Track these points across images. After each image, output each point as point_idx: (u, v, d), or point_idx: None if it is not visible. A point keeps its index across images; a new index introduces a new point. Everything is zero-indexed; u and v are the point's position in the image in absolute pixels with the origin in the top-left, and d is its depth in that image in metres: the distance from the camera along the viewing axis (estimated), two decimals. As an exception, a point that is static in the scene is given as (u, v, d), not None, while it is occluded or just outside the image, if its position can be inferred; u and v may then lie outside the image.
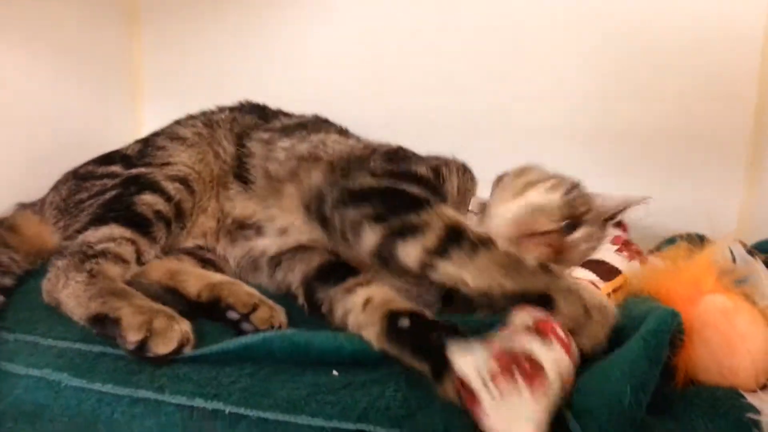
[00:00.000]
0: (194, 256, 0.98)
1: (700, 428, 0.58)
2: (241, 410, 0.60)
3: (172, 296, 0.85)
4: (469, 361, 0.57)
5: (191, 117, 1.12)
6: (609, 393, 0.54)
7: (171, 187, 0.95)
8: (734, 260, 0.83)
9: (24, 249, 0.94)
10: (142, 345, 0.67)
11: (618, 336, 0.64)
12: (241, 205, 0.99)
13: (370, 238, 0.76)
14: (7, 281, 0.88)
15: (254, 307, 0.79)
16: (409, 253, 0.71)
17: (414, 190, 0.80)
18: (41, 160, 1.17)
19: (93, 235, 0.86)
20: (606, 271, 0.83)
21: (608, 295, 0.80)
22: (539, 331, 0.60)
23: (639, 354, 0.57)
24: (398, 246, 0.73)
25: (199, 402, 0.61)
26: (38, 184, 1.07)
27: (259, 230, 0.97)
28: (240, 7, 1.39)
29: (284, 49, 1.37)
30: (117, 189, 0.95)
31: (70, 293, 0.77)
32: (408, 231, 0.72)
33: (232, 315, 0.79)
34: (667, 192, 1.10)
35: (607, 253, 0.88)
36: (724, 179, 1.14)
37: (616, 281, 0.83)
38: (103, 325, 0.72)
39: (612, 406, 0.53)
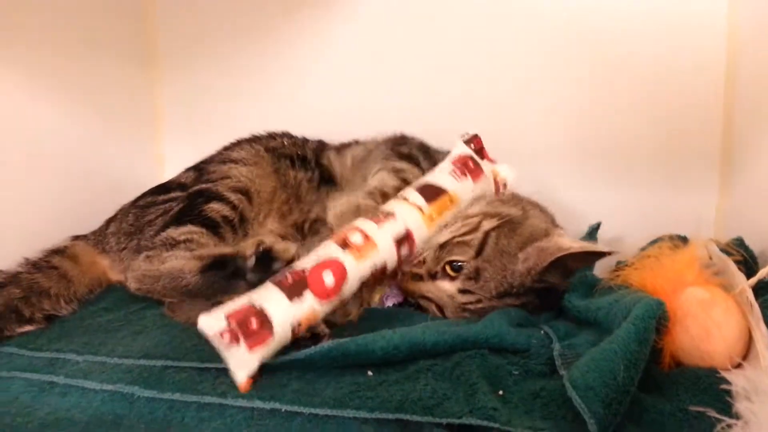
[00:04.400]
0: None
1: (685, 401, 0.69)
2: (296, 408, 0.69)
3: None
4: (205, 321, 0.73)
5: (241, 141, 1.24)
6: (605, 370, 0.65)
7: (234, 197, 1.08)
8: (710, 257, 0.94)
9: (84, 280, 1.04)
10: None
11: (610, 323, 0.75)
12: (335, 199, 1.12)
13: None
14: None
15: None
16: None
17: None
18: (68, 199, 1.26)
19: (174, 232, 1.00)
20: (431, 194, 0.97)
21: (430, 216, 0.95)
22: (286, 284, 0.79)
23: (629, 337, 0.68)
24: None
25: (258, 403, 0.71)
26: (66, 222, 1.16)
27: None
28: (254, 48, 1.50)
29: (297, 84, 1.48)
30: (184, 201, 1.07)
31: (174, 262, 0.93)
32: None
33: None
34: (650, 199, 1.21)
35: (438, 174, 1.01)
36: (701, 185, 1.25)
37: (440, 201, 0.96)
38: (223, 264, 0.90)
39: (608, 382, 0.64)
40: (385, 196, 1.01)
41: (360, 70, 1.45)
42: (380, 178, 1.06)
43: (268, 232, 1.12)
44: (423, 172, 1.07)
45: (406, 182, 1.04)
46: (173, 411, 0.72)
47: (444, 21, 1.37)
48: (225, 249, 0.98)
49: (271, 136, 1.28)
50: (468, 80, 1.37)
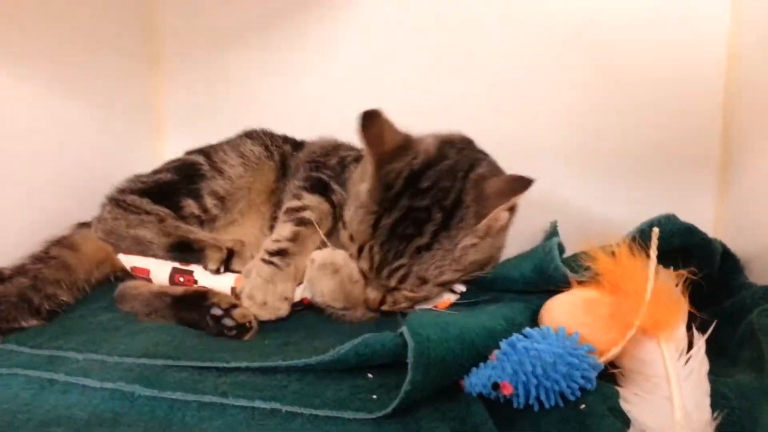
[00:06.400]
0: None
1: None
2: (296, 409, 0.70)
3: (158, 299, 0.98)
4: None
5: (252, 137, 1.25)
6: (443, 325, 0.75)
7: (210, 203, 1.12)
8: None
9: (84, 267, 1.06)
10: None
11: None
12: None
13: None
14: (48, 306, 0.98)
15: (233, 306, 0.92)
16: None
17: (323, 176, 1.11)
18: (69, 197, 1.25)
19: (147, 204, 1.08)
20: None
21: None
22: None
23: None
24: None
25: (258, 403, 0.71)
26: (65, 219, 1.15)
27: None
28: (257, 46, 1.50)
29: (302, 79, 1.48)
30: (170, 180, 1.15)
31: (144, 232, 1.04)
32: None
33: (216, 311, 0.91)
34: (648, 201, 1.21)
35: None
36: (700, 188, 1.25)
37: None
38: (188, 247, 1.01)
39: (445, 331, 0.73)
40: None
41: (362, 70, 1.45)
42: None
43: (241, 232, 1.15)
44: (333, 205, 1.06)
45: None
46: (174, 410, 0.73)
47: (448, 22, 1.37)
48: (191, 233, 1.05)
49: (285, 139, 1.29)
50: (471, 82, 1.37)
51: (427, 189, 0.94)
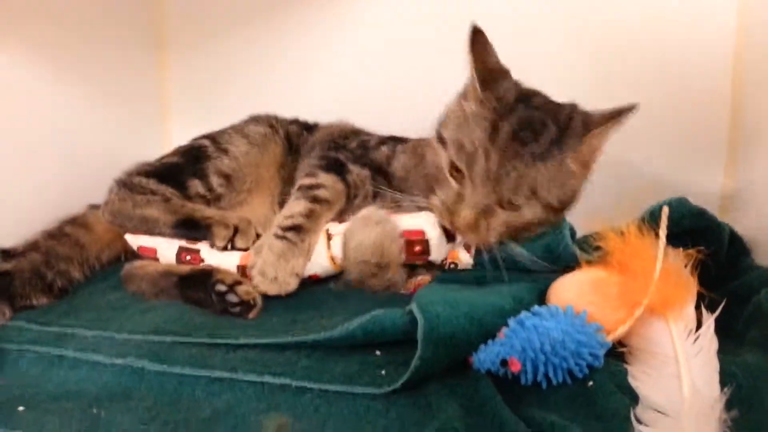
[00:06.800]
0: None
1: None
2: (305, 383, 0.71)
3: (164, 278, 0.98)
4: None
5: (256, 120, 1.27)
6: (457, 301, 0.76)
7: (216, 182, 1.13)
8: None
9: (96, 246, 1.08)
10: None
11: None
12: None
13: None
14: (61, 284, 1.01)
15: (238, 282, 0.92)
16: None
17: (341, 157, 1.11)
18: (75, 182, 1.25)
19: (153, 184, 1.09)
20: None
21: None
22: None
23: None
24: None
25: (268, 378, 0.71)
26: (75, 203, 1.15)
27: None
28: (264, 31, 1.50)
29: (308, 65, 1.48)
30: (177, 162, 1.16)
31: (151, 211, 1.04)
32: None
33: (221, 287, 0.91)
34: (655, 179, 1.22)
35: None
36: (707, 167, 1.24)
37: None
38: (194, 224, 1.01)
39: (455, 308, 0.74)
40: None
41: (366, 56, 1.44)
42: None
43: (249, 210, 1.15)
44: (347, 186, 1.06)
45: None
46: (183, 385, 0.73)
47: (460, 6, 1.36)
48: (197, 210, 1.05)
49: (293, 121, 1.30)
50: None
51: (538, 106, 0.94)
